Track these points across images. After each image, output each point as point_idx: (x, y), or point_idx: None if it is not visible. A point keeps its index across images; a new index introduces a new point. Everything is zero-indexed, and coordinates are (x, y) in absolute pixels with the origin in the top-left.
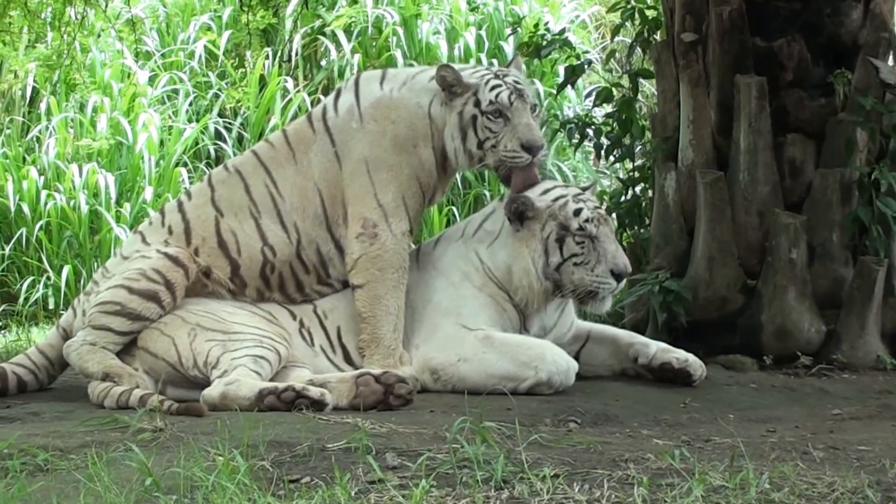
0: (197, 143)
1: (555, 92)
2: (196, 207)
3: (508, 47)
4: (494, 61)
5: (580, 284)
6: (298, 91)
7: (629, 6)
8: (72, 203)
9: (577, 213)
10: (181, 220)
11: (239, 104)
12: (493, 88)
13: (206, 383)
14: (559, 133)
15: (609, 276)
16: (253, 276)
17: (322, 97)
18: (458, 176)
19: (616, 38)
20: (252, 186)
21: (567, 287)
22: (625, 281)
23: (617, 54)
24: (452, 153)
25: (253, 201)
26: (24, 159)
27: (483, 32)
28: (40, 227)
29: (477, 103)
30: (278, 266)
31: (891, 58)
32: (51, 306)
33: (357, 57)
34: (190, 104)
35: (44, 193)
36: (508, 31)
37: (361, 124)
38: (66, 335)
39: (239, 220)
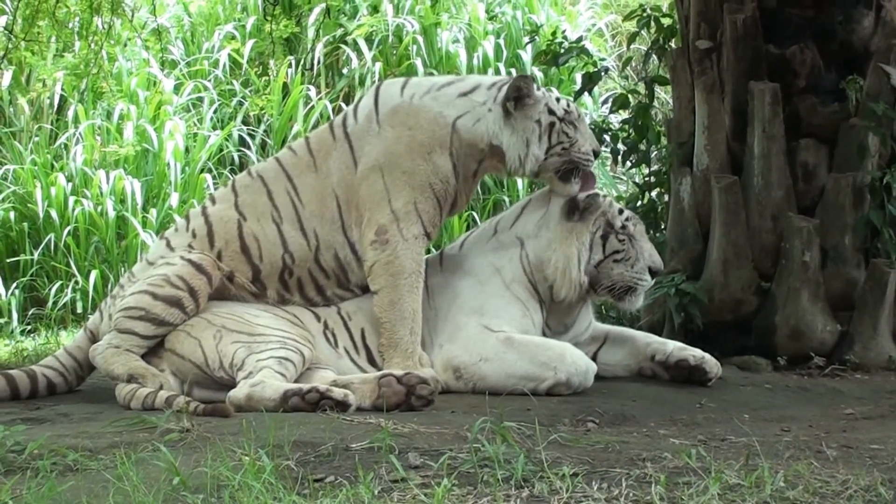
0: (221, 150)
1: (572, 99)
2: (219, 211)
3: (526, 55)
4: (513, 70)
5: (619, 280)
6: (321, 98)
7: (645, 14)
8: (99, 209)
9: (620, 212)
10: (204, 223)
11: (262, 112)
12: (559, 100)
13: (232, 384)
14: None
15: (646, 273)
16: (272, 281)
17: (343, 105)
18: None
19: (632, 46)
20: (274, 192)
21: (604, 284)
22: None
23: (633, 62)
24: (519, 160)
25: (275, 207)
26: (53, 166)
27: (501, 41)
28: (68, 233)
29: (552, 112)
30: (297, 272)
31: None
32: (79, 310)
33: (378, 65)
34: (214, 112)
35: (72, 199)
36: (526, 39)
37: (379, 129)
38: (94, 338)
39: (261, 225)
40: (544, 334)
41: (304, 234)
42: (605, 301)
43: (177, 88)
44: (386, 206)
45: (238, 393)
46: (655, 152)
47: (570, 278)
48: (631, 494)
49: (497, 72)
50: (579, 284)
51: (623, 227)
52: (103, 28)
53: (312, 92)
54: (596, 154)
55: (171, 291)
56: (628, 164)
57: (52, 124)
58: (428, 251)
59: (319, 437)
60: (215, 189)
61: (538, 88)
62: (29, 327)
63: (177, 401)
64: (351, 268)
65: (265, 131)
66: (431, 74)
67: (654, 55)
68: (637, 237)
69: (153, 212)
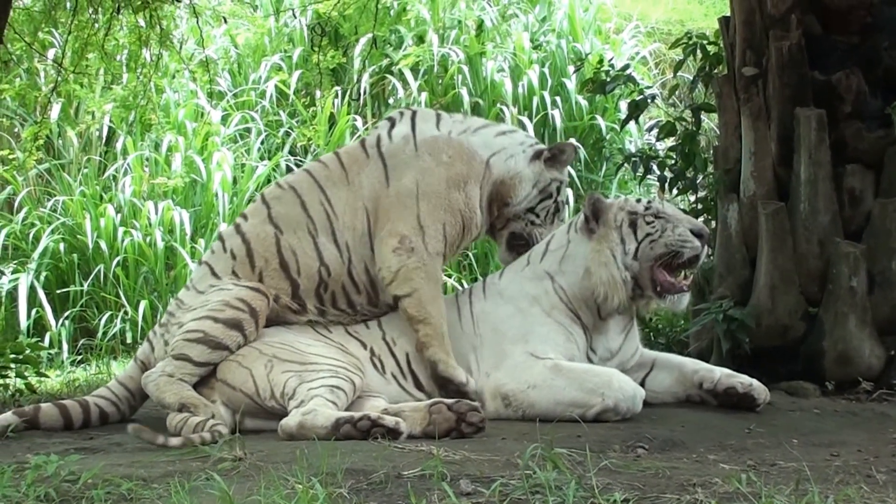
0: (269, 181)
1: (618, 127)
2: (254, 227)
3: (571, 84)
4: (558, 99)
5: (662, 252)
6: (367, 128)
7: (691, 42)
8: (148, 239)
9: (639, 201)
10: (241, 242)
11: (310, 142)
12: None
13: (283, 414)
14: (623, 167)
15: (690, 235)
16: (310, 296)
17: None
18: None
19: (677, 74)
20: (308, 204)
21: (646, 273)
22: (706, 248)
23: (678, 89)
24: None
25: (310, 218)
26: (102, 197)
27: (546, 70)
28: (117, 263)
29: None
30: (332, 286)
31: None
32: (128, 340)
33: (424, 95)
34: (262, 142)
35: (121, 230)
36: (571, 68)
37: (416, 154)
38: (144, 367)
39: (298, 238)
40: (590, 361)
41: (337, 246)
42: (652, 305)
43: (224, 119)
44: (414, 220)
45: (290, 421)
46: (702, 179)
47: (609, 280)
48: None
49: (542, 100)
50: (622, 283)
51: (648, 207)
52: (151, 60)
53: (359, 122)
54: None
55: (232, 314)
56: (675, 191)
57: (100, 156)
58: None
59: (371, 465)
60: None
61: None
62: (79, 358)
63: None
64: (381, 283)
65: None
66: (477, 104)
67: (700, 82)
68: (668, 212)
69: (201, 242)
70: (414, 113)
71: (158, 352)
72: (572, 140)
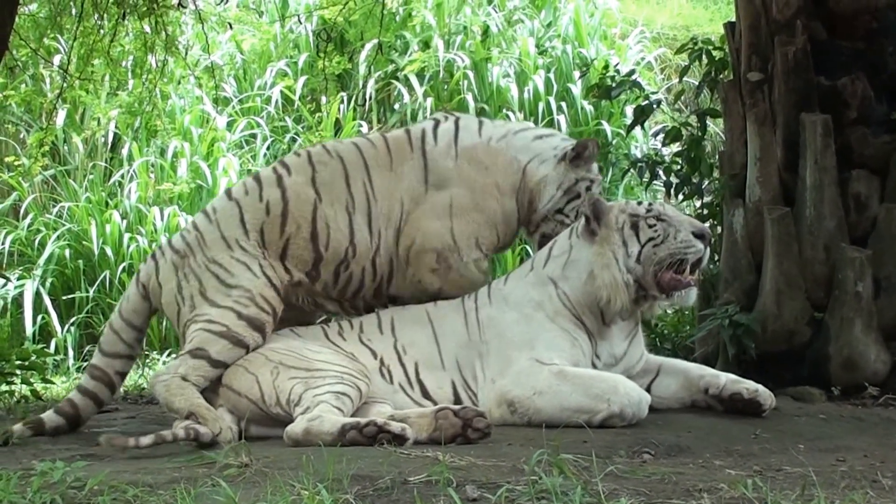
0: None
1: (624, 132)
2: (296, 185)
3: (576, 89)
4: (563, 104)
5: (667, 258)
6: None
7: (697, 47)
8: (153, 245)
9: (640, 203)
10: (280, 197)
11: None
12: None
13: (289, 420)
14: (629, 172)
15: (693, 238)
16: (328, 270)
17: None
18: None
19: (683, 79)
20: (352, 179)
21: (649, 276)
22: (708, 249)
23: (684, 94)
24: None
25: (351, 195)
26: (107, 203)
27: (552, 75)
28: (123, 270)
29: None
30: (353, 267)
31: None
32: None
33: (429, 100)
34: (267, 148)
35: (126, 236)
36: (577, 74)
37: (456, 162)
38: (146, 290)
39: (335, 211)
40: (595, 366)
41: (370, 231)
42: (657, 306)
43: (230, 125)
44: (448, 236)
45: (296, 428)
46: (707, 184)
47: (612, 282)
48: None
49: (547, 105)
50: (625, 285)
51: (649, 210)
52: (157, 66)
53: (364, 128)
54: None
55: (256, 313)
56: (681, 196)
57: (106, 162)
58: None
59: (378, 471)
60: None
61: None
62: (85, 364)
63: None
64: (396, 276)
65: None
66: (483, 109)
67: (705, 87)
68: (670, 214)
69: None
70: (458, 119)
71: (164, 276)
72: (593, 137)
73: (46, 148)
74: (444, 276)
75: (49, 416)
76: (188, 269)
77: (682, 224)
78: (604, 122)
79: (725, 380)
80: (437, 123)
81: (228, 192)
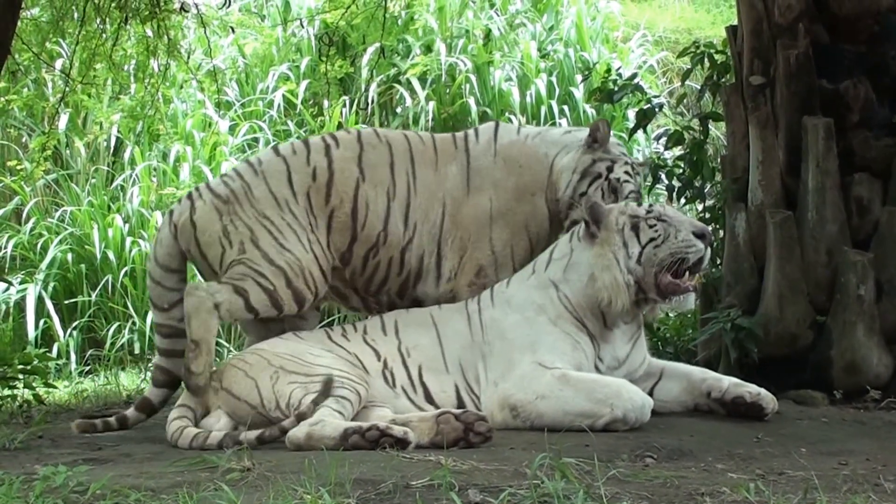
0: None
1: (626, 136)
2: (343, 159)
3: (579, 93)
4: (566, 108)
5: (666, 258)
6: None
7: (699, 51)
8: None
9: (640, 204)
10: (327, 166)
11: None
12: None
13: None
14: None
15: (693, 238)
16: (359, 256)
17: None
18: None
19: (685, 83)
20: (397, 168)
21: (649, 278)
22: (709, 249)
23: (686, 98)
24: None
25: (393, 182)
26: (110, 207)
27: (554, 79)
28: (125, 274)
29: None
30: (381, 255)
31: None
32: (136, 350)
33: (431, 104)
34: None
35: (128, 241)
36: (579, 77)
37: (493, 162)
38: (176, 232)
39: (376, 193)
40: (597, 370)
41: (405, 222)
42: (658, 309)
43: (232, 129)
44: (487, 246)
45: (297, 432)
46: (710, 188)
47: (613, 283)
48: None
49: (549, 109)
50: (626, 286)
51: (649, 210)
52: (159, 70)
53: None
54: None
55: (302, 287)
56: (683, 200)
57: (108, 166)
58: None
59: (380, 475)
60: None
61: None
62: (87, 368)
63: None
64: (425, 278)
65: None
66: (485, 113)
67: (707, 91)
68: (670, 215)
69: None
70: (498, 121)
71: (203, 217)
72: (603, 118)
73: (49, 152)
74: (477, 294)
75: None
76: (234, 216)
77: (683, 224)
78: None
79: (728, 383)
80: (477, 128)
81: (276, 149)
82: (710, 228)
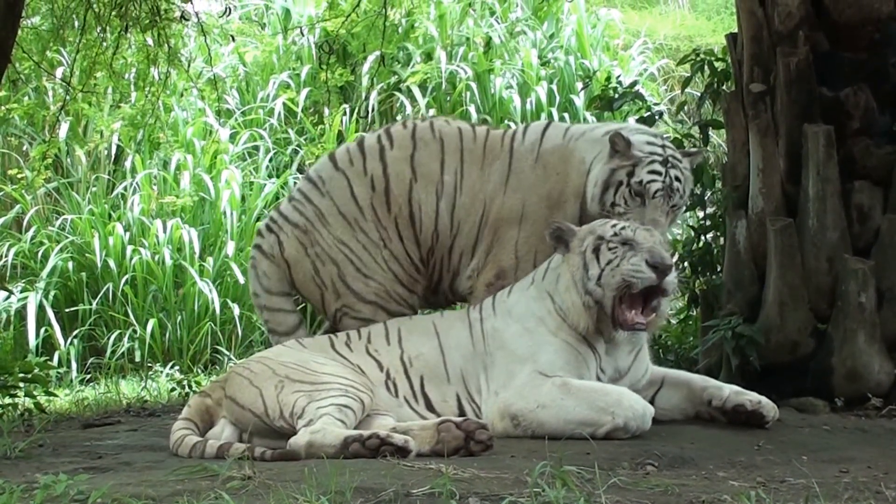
0: (277, 198)
1: None
2: (396, 162)
3: (579, 101)
4: (566, 115)
5: (618, 283)
6: None
7: (699, 59)
8: (156, 258)
9: (614, 226)
10: (382, 173)
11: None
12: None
13: (292, 433)
14: None
15: (644, 265)
16: (421, 256)
17: None
18: None
19: (685, 90)
20: (447, 165)
21: (607, 301)
22: (673, 278)
23: (686, 105)
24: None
25: (442, 180)
26: (110, 216)
27: (554, 86)
28: (126, 282)
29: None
30: (437, 253)
31: None
32: (137, 359)
33: (432, 112)
34: (270, 160)
35: (129, 249)
36: (580, 85)
37: (534, 164)
38: (275, 262)
39: (426, 193)
40: (599, 380)
41: (452, 220)
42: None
43: (233, 137)
44: (512, 250)
45: (299, 440)
46: (710, 195)
47: (572, 304)
48: None
49: (550, 117)
50: (584, 307)
51: (616, 234)
52: (160, 79)
53: None
54: None
55: (396, 308)
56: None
57: (109, 174)
58: None
59: (380, 483)
60: None
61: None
62: (88, 376)
63: (234, 448)
64: (459, 276)
65: None
66: (485, 121)
67: (708, 99)
68: (637, 240)
69: (210, 260)
70: (549, 122)
71: (292, 253)
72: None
73: (49, 160)
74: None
75: None
76: (317, 246)
77: (642, 250)
78: None
79: (729, 391)
80: (527, 127)
81: (333, 160)
82: (673, 261)
